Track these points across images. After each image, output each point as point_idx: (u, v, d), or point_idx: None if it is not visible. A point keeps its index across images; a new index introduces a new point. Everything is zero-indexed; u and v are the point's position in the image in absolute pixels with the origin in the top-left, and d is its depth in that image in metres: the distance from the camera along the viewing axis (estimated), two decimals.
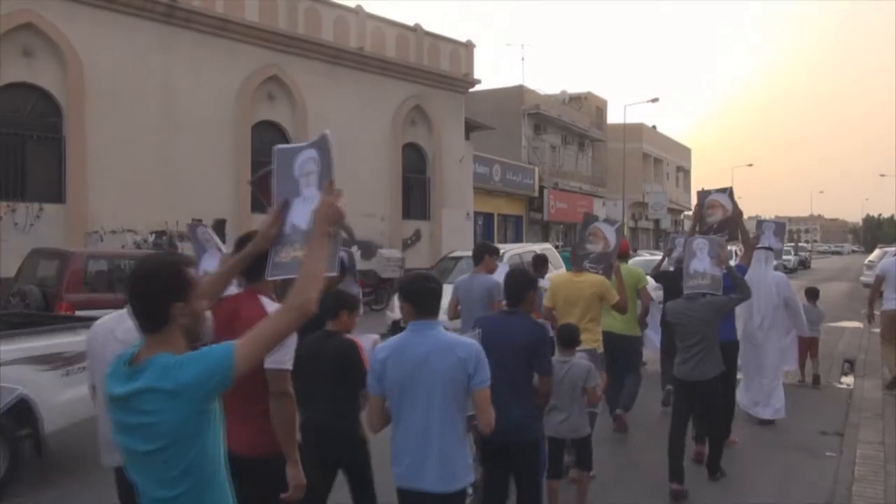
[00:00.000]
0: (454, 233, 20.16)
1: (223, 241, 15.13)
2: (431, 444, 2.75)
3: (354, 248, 18.32)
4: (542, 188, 29.74)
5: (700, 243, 5.20)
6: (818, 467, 5.69)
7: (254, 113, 16.17)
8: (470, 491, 2.91)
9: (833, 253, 56.45)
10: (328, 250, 2.03)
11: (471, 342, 2.88)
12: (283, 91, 16.76)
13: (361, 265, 18.10)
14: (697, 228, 6.15)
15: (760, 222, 7.65)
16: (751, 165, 68.43)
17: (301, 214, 2.34)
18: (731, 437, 6.00)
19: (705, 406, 5.10)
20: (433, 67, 20.33)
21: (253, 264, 2.50)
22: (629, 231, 37.49)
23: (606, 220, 5.90)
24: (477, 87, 23.39)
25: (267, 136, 16.73)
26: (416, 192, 20.46)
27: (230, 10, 15.48)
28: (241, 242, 2.71)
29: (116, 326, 2.96)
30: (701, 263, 5.08)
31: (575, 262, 5.76)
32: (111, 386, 1.79)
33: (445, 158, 21.00)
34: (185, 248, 14.80)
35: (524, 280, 3.79)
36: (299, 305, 1.88)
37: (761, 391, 6.82)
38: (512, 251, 12.05)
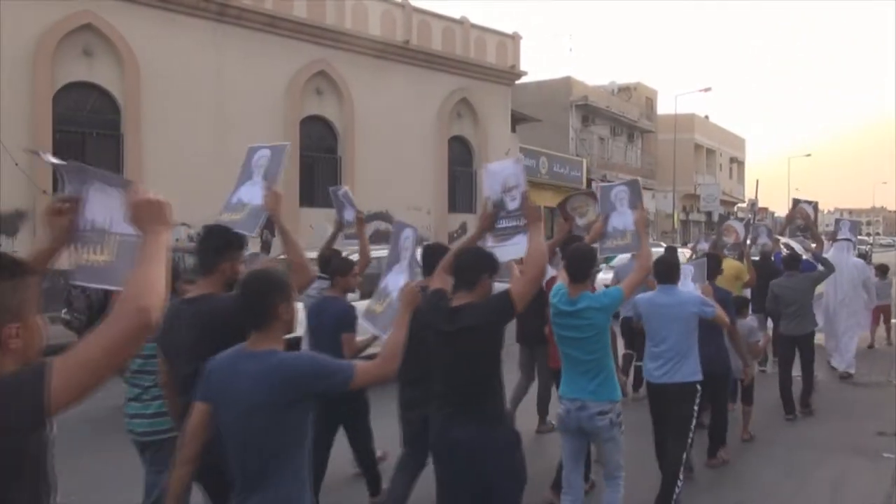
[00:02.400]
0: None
1: (272, 235, 15.15)
2: (670, 355, 4.47)
3: None
4: (590, 180, 29.31)
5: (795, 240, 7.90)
6: (874, 469, 5.51)
7: (302, 108, 16.41)
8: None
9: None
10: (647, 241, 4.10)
11: (698, 296, 4.75)
12: (331, 86, 16.95)
13: None
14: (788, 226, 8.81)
15: (838, 220, 9.82)
16: (809, 155, 66.07)
17: (620, 221, 4.24)
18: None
19: (803, 354, 7.05)
20: (479, 60, 20.26)
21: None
22: (680, 224, 36.70)
23: (738, 219, 8.44)
24: (524, 79, 23.19)
25: (315, 130, 16.99)
26: (462, 186, 20.47)
27: (279, 6, 15.73)
28: (565, 248, 4.28)
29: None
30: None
31: (716, 251, 7.56)
32: (563, 306, 3.73)
33: (491, 151, 20.91)
34: None
35: (716, 262, 5.88)
36: (647, 266, 4.00)
37: (837, 347, 8.80)
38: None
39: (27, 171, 12.20)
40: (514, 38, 21.43)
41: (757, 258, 8.60)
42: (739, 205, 48.48)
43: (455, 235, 19.11)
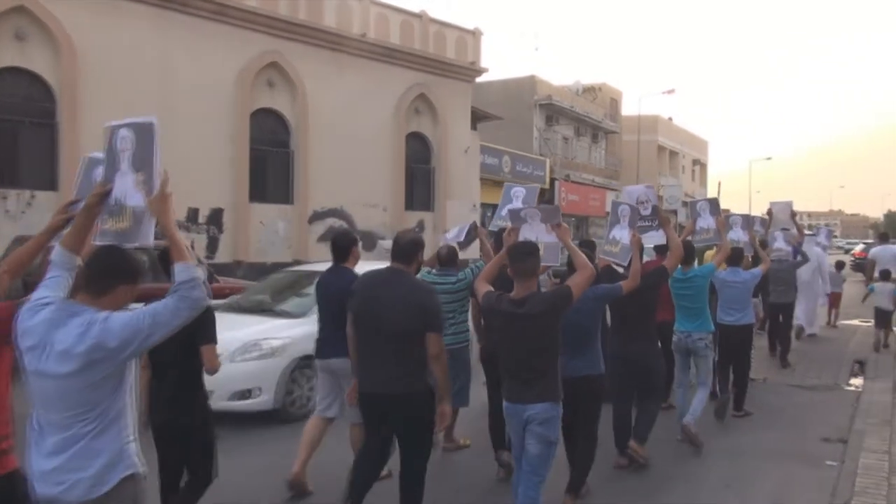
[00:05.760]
0: (459, 224, 19.67)
1: (220, 231, 14.75)
2: (737, 308, 6.76)
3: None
4: (553, 180, 29.23)
5: (778, 234, 9.02)
6: (817, 478, 5.30)
7: (253, 100, 15.85)
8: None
9: (847, 250, 53.61)
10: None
11: (751, 273, 6.84)
12: (284, 78, 16.41)
13: (362, 257, 17.79)
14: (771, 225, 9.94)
15: (819, 228, 12.60)
16: (769, 159, 67.11)
17: (704, 223, 6.36)
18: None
19: (785, 317, 9.61)
20: (439, 55, 19.87)
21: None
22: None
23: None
24: (488, 77, 22.91)
25: (266, 123, 16.46)
26: (419, 183, 20.07)
27: None
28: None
29: None
30: (780, 244, 9.03)
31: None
32: (679, 275, 5.96)
33: (451, 148, 20.57)
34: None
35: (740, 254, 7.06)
36: (727, 251, 6.46)
37: (808, 316, 11.45)
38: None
39: None
40: (475, 34, 21.11)
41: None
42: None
43: (415, 231, 18.72)
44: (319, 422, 4.79)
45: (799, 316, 10.95)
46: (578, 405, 4.40)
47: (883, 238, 13.68)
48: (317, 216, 17.14)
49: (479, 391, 5.77)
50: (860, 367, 9.30)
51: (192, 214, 14.83)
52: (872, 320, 11.06)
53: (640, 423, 5.36)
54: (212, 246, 15.02)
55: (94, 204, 2.48)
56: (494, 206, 24.18)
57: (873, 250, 12.77)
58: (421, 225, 19.38)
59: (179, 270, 2.30)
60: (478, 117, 22.83)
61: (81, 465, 2.25)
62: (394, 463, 4.14)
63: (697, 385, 6.17)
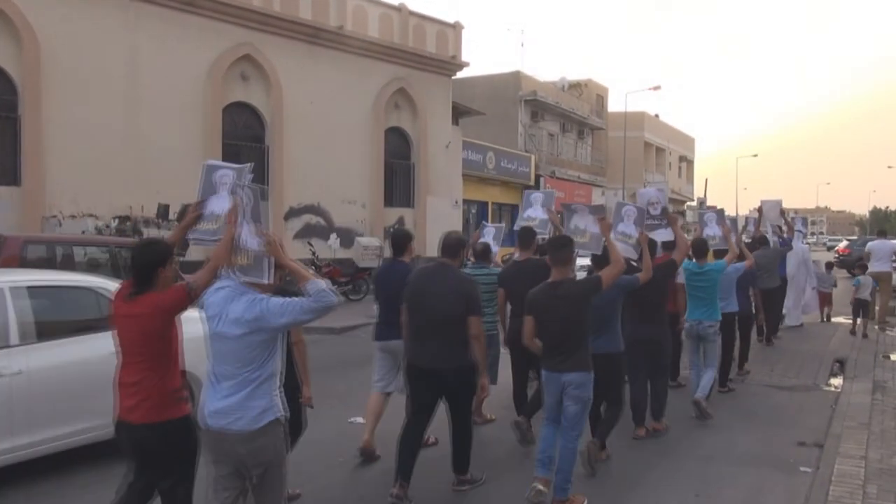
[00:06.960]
0: (440, 221, 19.32)
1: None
2: (723, 297, 7.35)
3: (333, 236, 17.76)
4: (538, 176, 28.94)
5: (774, 227, 10.46)
6: (790, 486, 5.04)
7: (225, 94, 15.45)
8: None
9: (831, 247, 53.26)
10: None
11: (734, 266, 7.29)
12: (258, 71, 16.02)
13: (340, 253, 17.46)
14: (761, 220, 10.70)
15: (793, 218, 12.31)
16: (756, 156, 67.68)
17: (711, 230, 7.40)
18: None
19: (772, 302, 10.12)
20: (418, 49, 19.52)
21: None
22: None
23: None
24: (473, 73, 22.63)
25: (240, 117, 16.08)
26: (399, 179, 19.72)
27: None
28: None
29: None
30: (769, 236, 10.22)
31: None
32: (695, 269, 6.85)
33: (431, 144, 20.24)
34: (150, 234, 14.14)
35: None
36: (735, 253, 7.22)
37: (791, 308, 11.91)
38: None
39: None
40: (456, 28, 20.77)
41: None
42: (689, 203, 48.86)
43: (390, 230, 18.38)
44: (379, 397, 5.51)
45: (786, 305, 11.50)
46: (602, 377, 4.96)
47: (881, 234, 15.06)
48: (293, 212, 16.78)
49: (505, 374, 6.39)
50: (840, 366, 9.08)
51: (163, 211, 14.37)
52: (851, 314, 11.68)
53: (654, 404, 6.11)
54: (183, 243, 14.62)
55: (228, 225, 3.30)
56: (478, 203, 23.94)
57: (871, 244, 13.70)
58: (401, 221, 19.04)
59: (309, 288, 2.99)
60: (460, 112, 22.52)
61: (245, 406, 3.03)
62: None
63: (706, 367, 6.87)
